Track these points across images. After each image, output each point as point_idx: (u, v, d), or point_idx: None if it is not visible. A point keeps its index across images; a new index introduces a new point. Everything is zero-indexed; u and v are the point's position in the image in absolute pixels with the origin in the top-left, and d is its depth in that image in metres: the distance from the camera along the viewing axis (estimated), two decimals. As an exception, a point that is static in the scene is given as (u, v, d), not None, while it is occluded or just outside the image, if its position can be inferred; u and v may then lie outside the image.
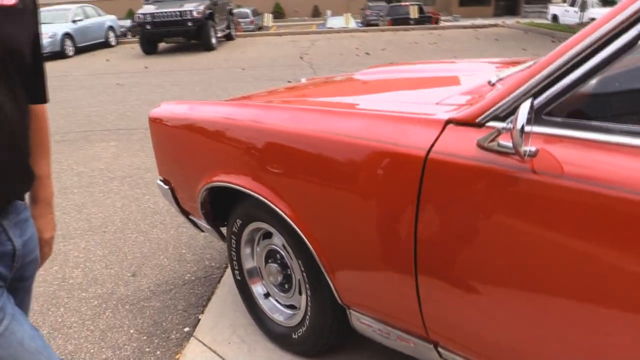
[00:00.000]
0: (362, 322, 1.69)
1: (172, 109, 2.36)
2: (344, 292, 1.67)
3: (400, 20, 20.97)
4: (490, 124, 1.23)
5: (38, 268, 1.27)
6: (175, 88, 8.93)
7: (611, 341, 1.09)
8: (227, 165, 1.97)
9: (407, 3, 23.14)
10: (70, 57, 14.70)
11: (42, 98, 1.26)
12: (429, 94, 1.68)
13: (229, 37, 16.66)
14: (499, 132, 1.16)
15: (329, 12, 32.04)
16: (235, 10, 19.02)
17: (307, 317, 1.91)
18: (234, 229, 2.15)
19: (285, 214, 1.73)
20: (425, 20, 21.45)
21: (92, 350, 2.19)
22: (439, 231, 1.32)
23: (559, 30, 15.11)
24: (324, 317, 1.84)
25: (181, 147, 2.29)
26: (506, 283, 1.22)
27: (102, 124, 6.42)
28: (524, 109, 1.05)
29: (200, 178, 2.12)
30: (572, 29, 14.50)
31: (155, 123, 2.39)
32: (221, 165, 2.00)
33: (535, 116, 1.17)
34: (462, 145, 1.26)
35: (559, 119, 1.17)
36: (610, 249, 1.04)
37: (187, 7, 13.68)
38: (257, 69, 10.55)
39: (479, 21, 22.58)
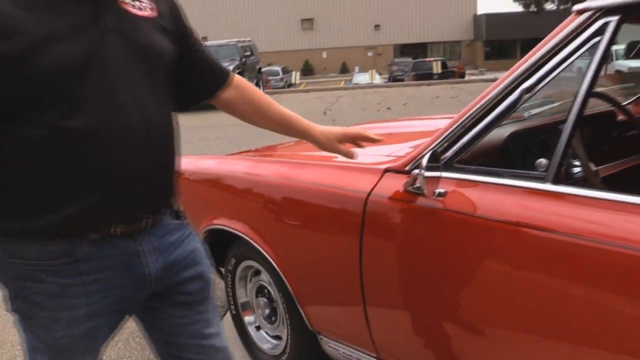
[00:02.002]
0: (330, 346, 1.93)
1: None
2: (312, 319, 1.91)
3: (424, 76, 21.63)
4: (415, 171, 1.51)
5: (209, 282, 1.27)
6: (203, 143, 9.46)
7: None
8: (219, 211, 2.28)
9: (431, 59, 23.89)
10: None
11: (223, 78, 1.32)
12: (390, 148, 1.97)
13: (257, 95, 17.43)
14: (415, 177, 1.44)
15: (356, 69, 33.13)
16: (265, 69, 19.97)
17: (288, 345, 2.15)
18: (229, 267, 2.43)
19: (267, 253, 2.01)
20: (448, 74, 22.06)
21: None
22: (377, 262, 1.58)
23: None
24: (301, 344, 2.08)
25: (188, 194, 2.62)
26: (431, 305, 1.47)
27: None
28: (425, 159, 1.33)
29: (201, 222, 2.43)
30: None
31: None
32: (215, 211, 2.31)
33: (449, 164, 1.45)
34: (393, 189, 1.53)
35: (469, 167, 1.45)
36: (503, 270, 1.29)
37: (218, 67, 14.50)
38: (281, 124, 11.03)
39: (503, 74, 22.98)
